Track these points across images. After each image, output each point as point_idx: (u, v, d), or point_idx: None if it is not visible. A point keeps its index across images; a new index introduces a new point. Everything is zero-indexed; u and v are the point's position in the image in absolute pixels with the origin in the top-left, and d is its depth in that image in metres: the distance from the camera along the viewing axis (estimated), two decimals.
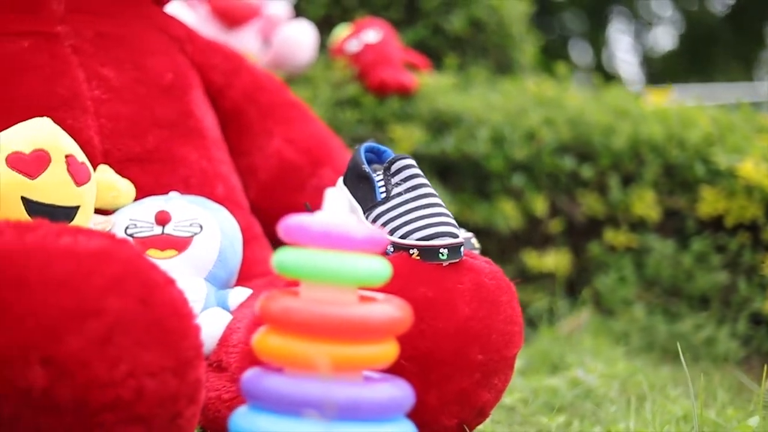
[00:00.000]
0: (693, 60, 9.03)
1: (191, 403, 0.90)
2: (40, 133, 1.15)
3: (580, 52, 9.27)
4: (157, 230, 1.19)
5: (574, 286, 2.05)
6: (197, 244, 1.19)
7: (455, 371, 1.05)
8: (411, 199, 1.09)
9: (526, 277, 2.01)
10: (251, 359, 1.08)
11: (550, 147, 2.00)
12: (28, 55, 1.27)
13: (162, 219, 1.20)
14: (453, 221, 1.09)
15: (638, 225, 2.02)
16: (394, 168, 1.11)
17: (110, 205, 1.24)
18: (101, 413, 0.84)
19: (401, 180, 1.11)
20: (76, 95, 1.27)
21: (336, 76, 2.03)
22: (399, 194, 1.10)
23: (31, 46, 1.28)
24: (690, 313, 1.92)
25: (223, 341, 1.12)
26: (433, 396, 1.04)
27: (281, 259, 0.87)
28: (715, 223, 1.97)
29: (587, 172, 1.99)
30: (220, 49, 1.52)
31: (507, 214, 1.98)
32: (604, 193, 2.02)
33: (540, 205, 2.01)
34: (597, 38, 9.26)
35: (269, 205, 1.48)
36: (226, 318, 1.15)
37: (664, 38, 9.78)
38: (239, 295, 1.20)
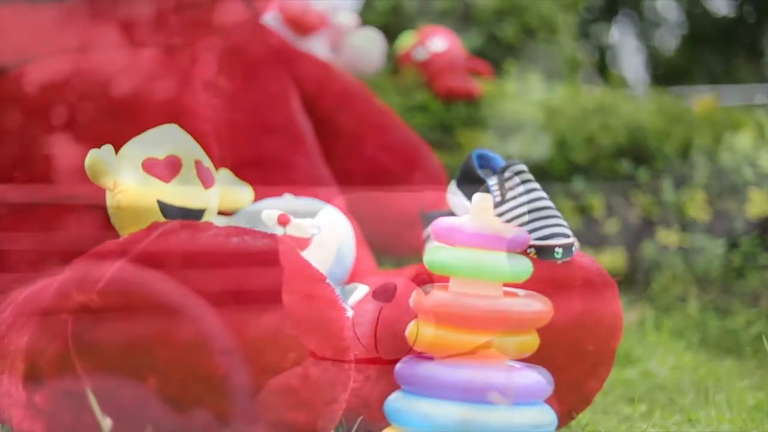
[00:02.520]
0: (698, 61, 9.07)
1: (344, 390, 0.96)
2: (171, 139, 1.20)
3: (584, 51, 9.32)
4: (279, 231, 1.27)
5: (628, 284, 2.12)
6: (317, 244, 1.26)
7: (570, 361, 1.12)
8: (526, 202, 1.16)
9: None
10: (377, 351, 1.16)
11: (608, 151, 2.08)
12: (151, 65, 1.35)
13: (283, 220, 1.27)
14: (565, 222, 1.16)
15: (689, 225, 2.09)
16: (508, 173, 1.19)
17: (231, 207, 1.30)
18: (272, 398, 0.90)
19: (515, 184, 1.18)
20: (196, 103, 1.34)
21: (404, 82, 2.11)
22: (513, 197, 1.17)
23: (153, 56, 1.35)
24: (741, 309, 1.99)
25: None
26: None
27: (435, 257, 0.95)
28: (763, 224, 2.03)
29: (643, 175, 2.07)
30: (311, 58, 1.59)
31: (566, 215, 2.06)
32: (658, 194, 2.09)
33: (597, 206, 2.09)
34: (601, 38, 9.30)
35: (362, 208, 1.56)
36: (349, 313, 1.22)
37: (669, 39, 9.83)
38: (357, 291, 1.26)
